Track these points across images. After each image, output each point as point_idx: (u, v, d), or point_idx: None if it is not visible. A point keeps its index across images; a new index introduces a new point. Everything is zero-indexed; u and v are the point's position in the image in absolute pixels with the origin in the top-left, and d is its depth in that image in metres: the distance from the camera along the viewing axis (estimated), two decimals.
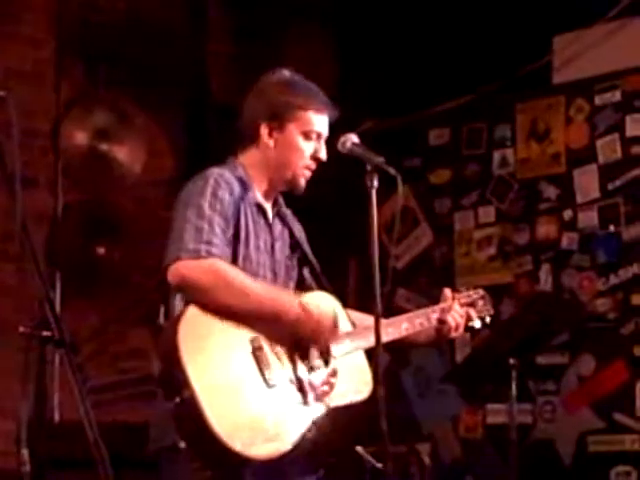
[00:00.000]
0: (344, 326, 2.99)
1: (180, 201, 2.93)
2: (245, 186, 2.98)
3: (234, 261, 2.88)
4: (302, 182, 3.04)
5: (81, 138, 5.39)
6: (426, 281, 5.89)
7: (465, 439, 5.63)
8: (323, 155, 3.04)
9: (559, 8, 5.30)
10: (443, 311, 3.24)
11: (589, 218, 5.34)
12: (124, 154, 5.47)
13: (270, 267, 3.00)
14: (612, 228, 5.25)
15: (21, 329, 2.34)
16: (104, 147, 5.41)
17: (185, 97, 5.91)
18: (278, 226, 3.08)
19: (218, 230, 2.83)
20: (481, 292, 3.41)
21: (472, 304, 3.35)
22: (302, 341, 2.88)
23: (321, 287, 3.09)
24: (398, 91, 5.87)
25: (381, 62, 5.96)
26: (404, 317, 3.20)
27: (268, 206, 3.06)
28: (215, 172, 2.94)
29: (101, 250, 5.44)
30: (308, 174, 3.05)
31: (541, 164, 5.55)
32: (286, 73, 3.09)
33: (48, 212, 5.32)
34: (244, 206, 2.94)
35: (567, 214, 5.41)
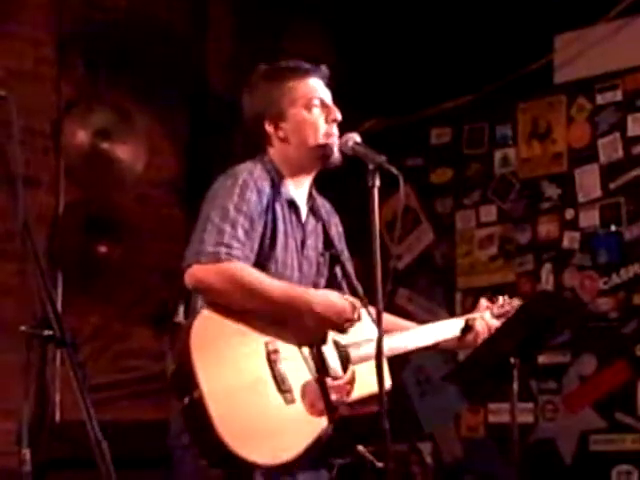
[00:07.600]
0: (367, 331, 2.92)
1: (207, 199, 2.87)
2: (276, 182, 2.92)
3: (260, 262, 2.84)
4: (333, 150, 2.95)
5: (82, 137, 5.37)
6: (427, 281, 5.89)
7: (466, 438, 5.63)
8: (337, 115, 2.98)
9: (560, 7, 5.30)
10: (474, 321, 3.25)
11: (590, 217, 5.34)
12: (125, 153, 5.45)
13: (297, 266, 2.94)
14: (613, 228, 5.25)
15: (22, 328, 2.34)
16: (105, 146, 5.40)
17: (186, 96, 5.90)
18: (311, 221, 3.03)
19: (241, 233, 2.78)
20: (516, 303, 3.39)
21: (505, 315, 3.34)
22: (325, 327, 2.83)
23: (351, 286, 3.05)
24: (400, 90, 5.87)
25: (382, 61, 5.96)
26: (435, 325, 3.20)
27: (302, 201, 3.00)
28: (246, 170, 2.89)
29: (102, 249, 5.43)
30: (334, 139, 2.96)
31: (542, 163, 5.55)
32: (262, 67, 3.04)
33: (49, 211, 5.31)
34: (275, 205, 2.90)
35: (569, 213, 5.42)
